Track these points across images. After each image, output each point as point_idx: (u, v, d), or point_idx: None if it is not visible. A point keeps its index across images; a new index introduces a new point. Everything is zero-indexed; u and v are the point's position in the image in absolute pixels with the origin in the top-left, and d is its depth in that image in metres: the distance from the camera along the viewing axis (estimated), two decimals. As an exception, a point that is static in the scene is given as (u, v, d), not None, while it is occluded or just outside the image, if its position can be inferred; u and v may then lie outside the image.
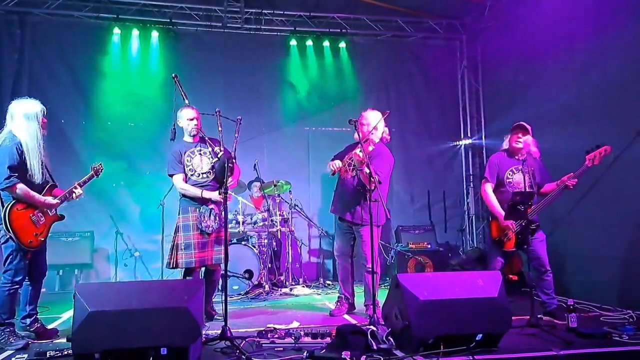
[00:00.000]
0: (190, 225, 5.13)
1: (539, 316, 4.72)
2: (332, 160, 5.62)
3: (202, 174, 5.22)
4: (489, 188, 5.43)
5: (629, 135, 5.57)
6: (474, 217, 9.55)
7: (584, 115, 6.28)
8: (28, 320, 4.57)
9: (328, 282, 8.31)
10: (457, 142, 9.78)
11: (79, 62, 8.47)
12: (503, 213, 5.08)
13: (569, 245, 6.43)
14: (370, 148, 5.30)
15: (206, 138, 5.28)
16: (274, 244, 7.94)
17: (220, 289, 5.71)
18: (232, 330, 4.18)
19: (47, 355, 3.86)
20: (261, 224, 7.57)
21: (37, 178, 4.41)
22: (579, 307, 5.48)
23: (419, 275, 4.81)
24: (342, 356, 3.61)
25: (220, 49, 8.97)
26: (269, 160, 8.15)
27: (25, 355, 3.85)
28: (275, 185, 7.74)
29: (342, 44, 9.34)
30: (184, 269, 5.20)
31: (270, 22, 8.97)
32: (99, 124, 8.49)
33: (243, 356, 3.78)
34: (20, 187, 4.29)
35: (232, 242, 7.13)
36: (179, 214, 5.25)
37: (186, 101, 5.22)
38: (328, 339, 4.16)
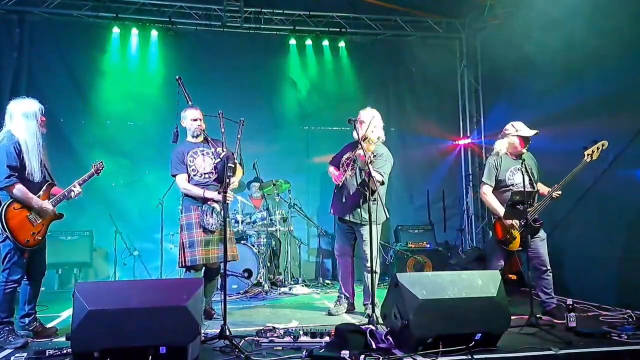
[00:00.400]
0: (193, 223, 5.17)
1: (537, 316, 4.71)
2: (330, 163, 5.70)
3: (205, 174, 5.24)
4: (488, 190, 5.43)
5: (628, 135, 5.57)
6: (473, 217, 9.56)
7: (583, 115, 6.27)
8: (27, 319, 4.56)
9: (327, 281, 8.32)
10: (457, 142, 9.79)
11: (78, 61, 8.49)
12: None
13: (568, 244, 6.43)
14: (372, 147, 5.29)
15: (209, 139, 5.32)
16: (273, 243, 7.95)
17: (219, 288, 5.71)
18: (231, 329, 4.17)
19: (46, 354, 3.86)
20: (260, 223, 7.57)
21: (36, 176, 4.41)
22: (577, 307, 5.48)
23: (418, 274, 4.79)
24: (341, 355, 3.60)
25: (219, 48, 8.97)
26: (268, 160, 8.16)
27: (25, 354, 3.84)
28: (274, 185, 7.75)
29: (342, 43, 9.36)
30: (185, 268, 5.21)
31: (269, 21, 8.97)
32: (98, 123, 8.51)
33: (242, 355, 3.79)
34: (19, 188, 4.29)
35: (232, 241, 7.13)
36: (181, 212, 5.30)
37: (190, 103, 5.24)
38: (327, 338, 4.16)
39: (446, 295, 3.91)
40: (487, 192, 5.44)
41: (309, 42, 9.28)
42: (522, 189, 4.87)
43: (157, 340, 3.43)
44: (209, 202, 5.18)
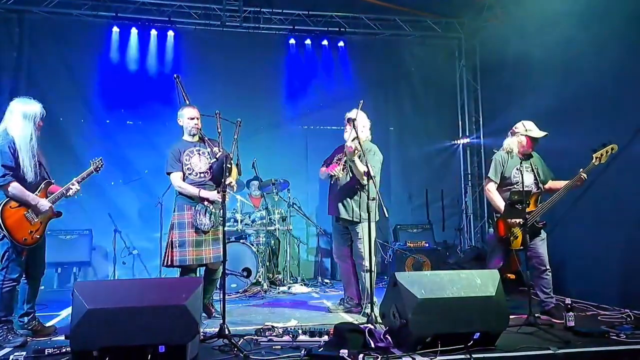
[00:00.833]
0: (185, 223, 5.12)
1: (536, 315, 4.72)
2: (323, 165, 5.72)
3: (200, 173, 5.23)
4: (493, 187, 5.37)
5: (627, 134, 5.58)
6: (471, 216, 9.57)
7: (582, 114, 6.28)
8: (26, 318, 4.56)
9: (326, 280, 8.31)
10: (455, 141, 9.80)
11: (78, 60, 8.50)
12: None
13: (567, 244, 6.43)
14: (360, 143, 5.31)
15: (205, 138, 5.31)
16: (272, 242, 7.96)
17: (218, 287, 5.71)
18: (230, 328, 4.18)
19: (45, 353, 3.86)
20: (259, 222, 7.58)
21: (29, 177, 4.39)
22: (576, 306, 5.49)
23: (417, 273, 4.79)
24: (340, 354, 3.60)
25: (218, 47, 8.98)
26: (267, 159, 8.16)
27: (24, 353, 3.83)
28: (273, 184, 7.76)
29: (341, 43, 9.37)
30: (180, 269, 5.19)
31: (268, 21, 8.97)
32: (97, 122, 8.51)
33: (241, 354, 3.79)
34: (14, 186, 4.29)
35: (231, 240, 7.14)
36: (174, 211, 5.24)
37: (187, 102, 5.24)
38: (326, 337, 4.17)
39: (445, 294, 3.91)
40: (491, 189, 5.38)
41: (308, 41, 9.30)
42: (521, 189, 4.87)
43: (156, 339, 3.43)
44: (203, 202, 5.18)
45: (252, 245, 7.31)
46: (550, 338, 4.19)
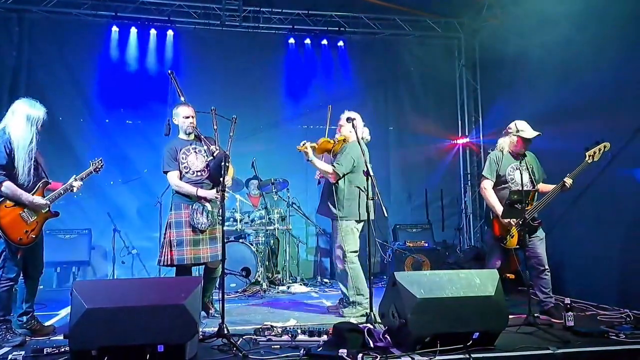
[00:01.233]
0: (182, 222, 5.10)
1: (535, 315, 4.72)
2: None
3: (197, 172, 5.21)
4: (488, 185, 5.38)
5: (626, 134, 5.58)
6: (471, 216, 9.57)
7: (581, 114, 6.28)
8: (25, 318, 4.56)
9: (325, 280, 8.32)
10: (455, 141, 9.80)
11: (78, 60, 8.50)
12: None
13: (566, 244, 6.43)
14: (329, 146, 5.65)
15: (201, 136, 5.28)
16: (272, 241, 7.95)
17: (217, 286, 5.70)
18: (229, 328, 4.18)
19: (44, 352, 3.86)
20: (259, 221, 7.58)
21: (22, 178, 4.36)
22: (575, 306, 5.49)
23: (416, 273, 4.79)
24: (339, 354, 3.61)
25: (218, 47, 8.98)
26: (266, 158, 8.15)
27: (22, 352, 3.83)
28: (272, 184, 7.76)
29: (340, 43, 9.37)
30: (175, 268, 5.17)
31: (268, 21, 8.97)
32: (96, 121, 8.51)
33: (240, 354, 3.79)
34: (7, 185, 4.28)
35: (230, 239, 7.14)
36: (170, 210, 5.21)
37: (182, 98, 5.22)
38: (325, 337, 4.16)
39: (444, 294, 3.91)
40: (487, 187, 5.38)
41: (307, 41, 9.29)
42: (519, 188, 4.87)
43: (155, 339, 3.43)
44: (200, 201, 5.17)
45: (252, 244, 7.30)
46: (549, 338, 4.19)
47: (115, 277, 7.80)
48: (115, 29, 8.54)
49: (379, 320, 4.49)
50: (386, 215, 5.14)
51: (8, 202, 4.33)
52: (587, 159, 4.99)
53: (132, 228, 8.38)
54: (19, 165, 4.34)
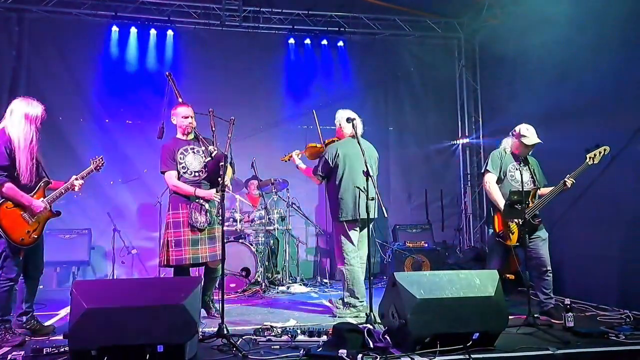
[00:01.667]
0: (181, 221, 5.09)
1: (535, 315, 4.72)
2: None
3: (195, 172, 5.19)
4: (492, 179, 5.33)
5: (626, 134, 5.58)
6: (471, 216, 9.57)
7: (581, 114, 6.28)
8: (24, 318, 4.56)
9: (325, 280, 8.31)
10: (455, 141, 9.80)
11: (77, 60, 8.49)
12: None
13: (566, 244, 6.42)
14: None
15: (200, 137, 5.27)
16: (271, 242, 7.95)
17: (217, 286, 5.70)
18: (228, 328, 4.18)
19: (44, 352, 3.85)
20: (258, 222, 7.58)
21: (24, 178, 4.37)
22: (575, 307, 5.49)
23: (416, 273, 4.80)
24: (339, 354, 3.61)
25: (218, 47, 8.98)
26: (266, 158, 8.14)
27: (22, 352, 3.84)
28: (272, 184, 7.76)
29: (340, 43, 9.37)
30: (174, 268, 5.15)
31: (268, 21, 8.97)
32: (96, 121, 8.50)
33: (239, 354, 3.79)
34: (8, 187, 4.28)
35: (230, 239, 7.14)
36: (169, 210, 5.19)
37: (180, 99, 5.21)
38: (325, 337, 4.17)
39: (444, 294, 3.91)
40: (491, 182, 5.33)
41: (307, 41, 9.29)
42: (519, 189, 4.87)
43: (155, 339, 3.43)
44: (198, 200, 5.15)
45: (251, 245, 7.30)
46: (549, 338, 4.20)
47: (115, 277, 7.80)
48: (115, 28, 8.54)
49: (379, 321, 4.49)
50: (386, 215, 5.15)
51: (8, 202, 4.33)
52: (587, 160, 5.00)
53: (131, 228, 8.37)
54: (22, 164, 4.34)
